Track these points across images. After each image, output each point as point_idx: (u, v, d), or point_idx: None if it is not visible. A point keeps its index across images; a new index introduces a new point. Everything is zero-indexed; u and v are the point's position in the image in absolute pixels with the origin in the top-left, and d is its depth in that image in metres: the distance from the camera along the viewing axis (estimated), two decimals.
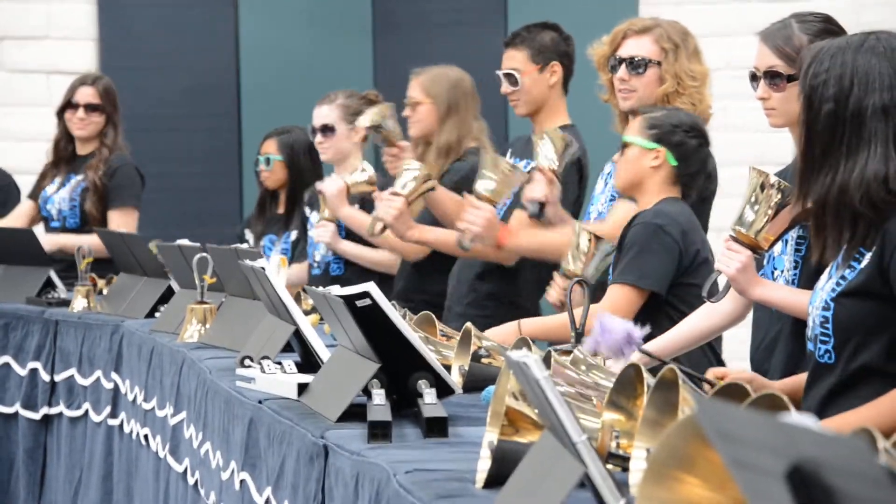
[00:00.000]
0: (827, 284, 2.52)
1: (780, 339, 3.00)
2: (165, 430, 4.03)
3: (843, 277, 2.49)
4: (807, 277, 2.92)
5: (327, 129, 5.16)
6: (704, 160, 3.53)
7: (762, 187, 2.89)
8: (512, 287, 4.43)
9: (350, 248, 5.08)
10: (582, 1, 6.99)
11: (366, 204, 5.01)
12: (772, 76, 3.02)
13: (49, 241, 5.60)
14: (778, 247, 2.99)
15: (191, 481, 3.70)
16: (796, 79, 2.94)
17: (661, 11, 7.35)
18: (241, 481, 3.04)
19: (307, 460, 2.60)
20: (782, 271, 2.99)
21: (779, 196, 2.88)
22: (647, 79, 3.84)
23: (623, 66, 3.85)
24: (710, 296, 2.95)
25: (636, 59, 3.84)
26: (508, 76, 4.36)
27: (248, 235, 5.81)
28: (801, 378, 2.72)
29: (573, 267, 3.60)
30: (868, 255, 2.45)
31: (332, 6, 7.47)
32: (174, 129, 7.38)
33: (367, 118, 4.66)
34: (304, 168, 5.66)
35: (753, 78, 3.05)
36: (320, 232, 5.09)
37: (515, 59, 4.38)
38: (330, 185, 4.93)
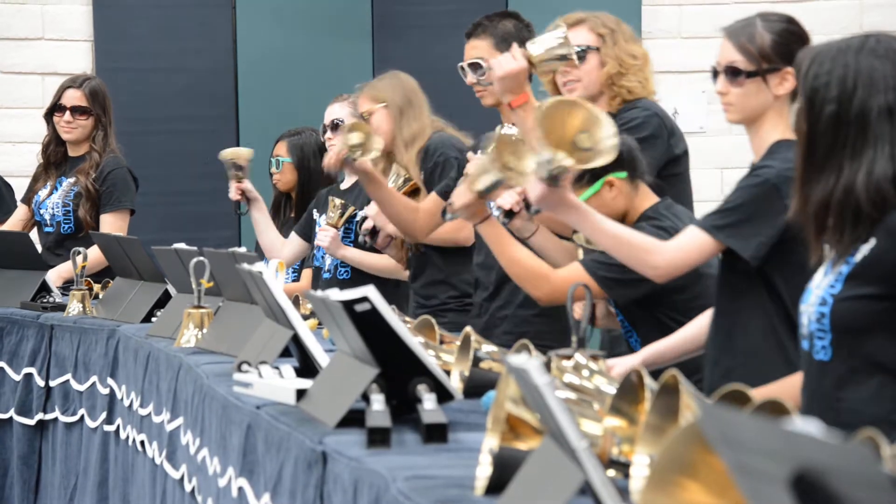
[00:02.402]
0: (823, 282, 2.52)
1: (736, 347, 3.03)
2: (162, 436, 4.02)
3: (839, 273, 2.48)
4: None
5: (337, 127, 5.15)
6: (642, 152, 3.61)
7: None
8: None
9: (352, 254, 5.07)
10: (584, 3, 6.99)
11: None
12: (731, 72, 3.04)
13: (57, 278, 5.55)
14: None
15: (188, 488, 3.68)
16: (755, 75, 3.01)
17: (663, 13, 7.36)
18: (239, 488, 3.03)
19: (305, 466, 2.59)
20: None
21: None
22: (589, 65, 3.89)
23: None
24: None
25: (577, 48, 3.85)
26: (474, 66, 4.35)
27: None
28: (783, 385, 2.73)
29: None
30: (864, 250, 2.45)
31: (331, 8, 7.46)
32: (171, 132, 7.37)
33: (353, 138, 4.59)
34: (314, 170, 5.65)
35: (715, 73, 3.07)
36: (322, 236, 5.08)
37: (479, 49, 4.37)
38: (323, 238, 4.96)
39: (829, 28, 6.75)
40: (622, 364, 3.11)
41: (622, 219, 3.49)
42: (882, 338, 2.45)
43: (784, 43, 3.01)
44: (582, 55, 3.88)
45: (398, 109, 4.77)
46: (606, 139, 3.09)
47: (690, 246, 3.04)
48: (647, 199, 3.57)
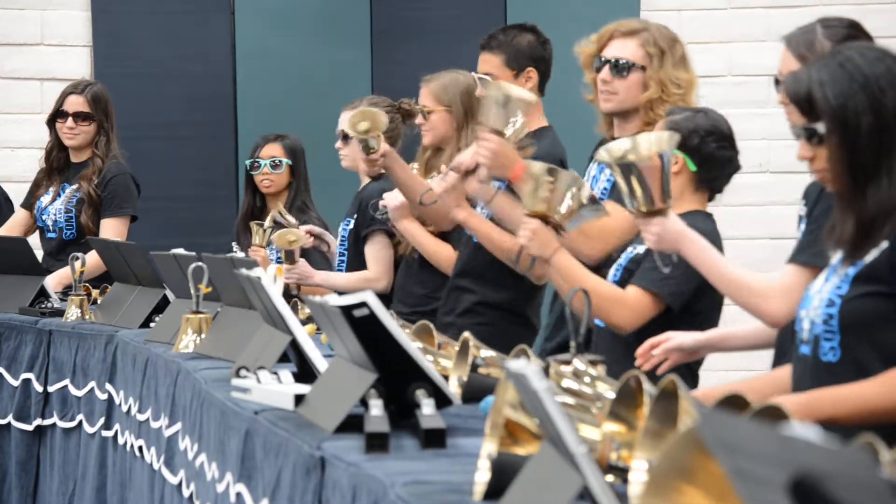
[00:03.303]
0: (826, 286, 2.53)
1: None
2: (160, 442, 4.01)
3: (845, 275, 2.50)
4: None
5: (346, 137, 5.14)
6: (726, 163, 3.50)
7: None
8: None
9: (321, 279, 5.04)
10: (582, 8, 6.99)
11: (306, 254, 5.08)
12: None
13: (56, 283, 5.54)
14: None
15: (185, 493, 3.68)
16: None
17: (661, 17, 7.36)
18: (237, 493, 3.02)
19: (304, 472, 2.58)
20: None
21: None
22: (630, 82, 3.79)
23: (606, 66, 3.81)
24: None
25: (620, 60, 3.80)
26: (483, 80, 4.33)
27: (236, 248, 5.75)
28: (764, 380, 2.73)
29: (536, 207, 3.38)
30: (875, 252, 2.47)
31: (330, 14, 7.46)
32: (170, 137, 7.36)
33: (362, 125, 4.58)
34: (305, 173, 5.65)
35: (777, 82, 3.04)
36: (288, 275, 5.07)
37: (490, 64, 4.35)
38: (392, 199, 4.74)
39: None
40: (680, 337, 3.10)
41: None
42: (891, 335, 2.45)
43: None
44: (626, 69, 3.80)
45: (461, 117, 4.66)
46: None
47: (797, 286, 2.87)
48: (690, 203, 3.53)
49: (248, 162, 5.72)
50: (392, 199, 4.72)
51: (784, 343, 3.02)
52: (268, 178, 5.64)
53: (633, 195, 3.00)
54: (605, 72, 3.81)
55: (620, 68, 3.79)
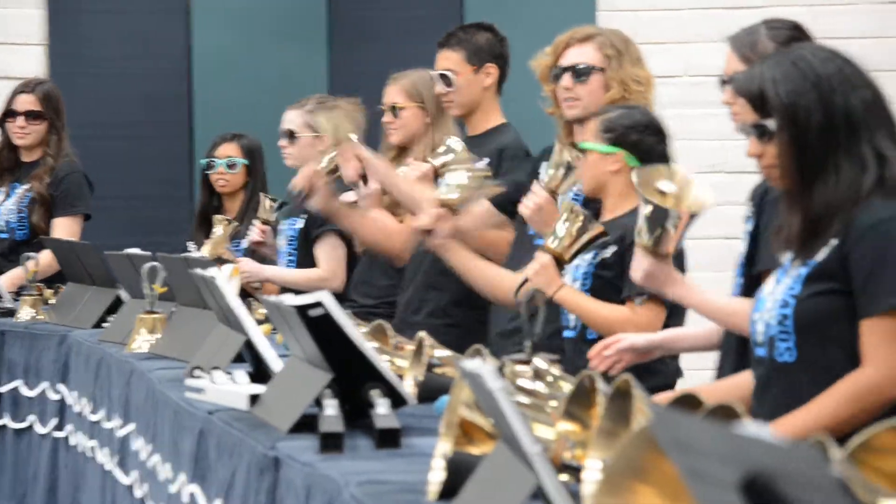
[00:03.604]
0: (778, 288, 2.54)
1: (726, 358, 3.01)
2: (113, 443, 3.99)
3: (798, 276, 2.52)
4: (750, 287, 2.95)
5: (292, 135, 5.11)
6: (662, 157, 3.52)
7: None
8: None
9: (272, 274, 5.02)
10: (539, 9, 7.00)
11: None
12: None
13: (9, 283, 5.49)
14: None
15: (138, 494, 3.66)
16: None
17: (618, 18, 7.38)
18: (191, 494, 3.01)
19: (258, 472, 2.57)
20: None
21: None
22: (592, 86, 3.82)
23: (567, 74, 3.83)
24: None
25: (579, 66, 3.82)
26: (443, 77, 4.33)
27: (192, 247, 5.73)
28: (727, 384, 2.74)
29: (555, 246, 3.42)
30: (825, 251, 2.49)
31: (287, 14, 7.44)
32: (126, 137, 7.32)
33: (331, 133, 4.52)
34: (262, 174, 5.61)
35: (722, 83, 3.06)
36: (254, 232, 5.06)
37: (450, 60, 4.35)
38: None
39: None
40: (632, 338, 3.11)
41: (598, 193, 3.49)
42: (846, 333, 2.47)
43: None
44: (586, 73, 3.82)
45: (434, 113, 4.59)
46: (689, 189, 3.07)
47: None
48: (635, 199, 3.53)
49: (203, 161, 5.69)
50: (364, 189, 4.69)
51: (728, 342, 3.04)
52: (223, 178, 5.60)
53: (646, 228, 2.98)
54: (566, 79, 3.83)
55: (580, 73, 3.81)
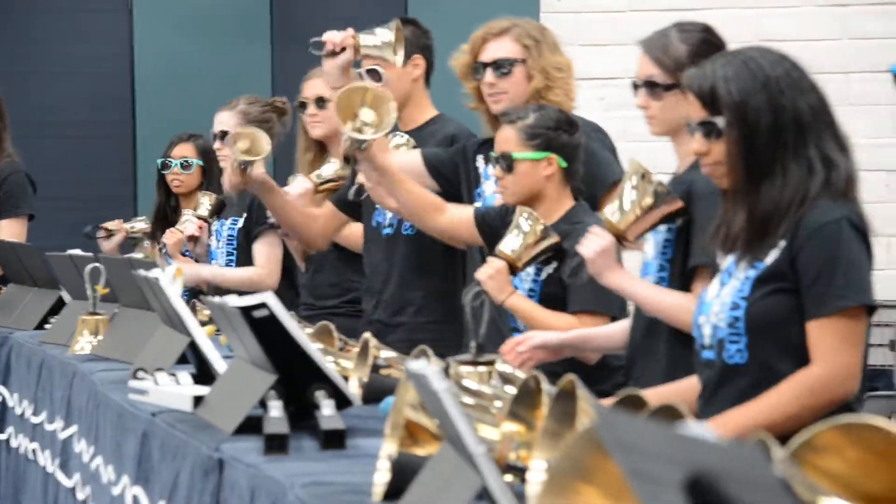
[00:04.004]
0: (725, 290, 2.56)
1: (657, 349, 3.02)
2: (55, 445, 3.96)
3: (746, 278, 2.53)
4: (678, 283, 2.97)
5: (225, 136, 5.08)
6: (578, 149, 3.54)
7: (640, 183, 2.98)
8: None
9: (210, 273, 5.00)
10: (482, 7, 7.01)
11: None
12: (650, 85, 3.05)
13: None
14: (650, 251, 3.04)
15: (81, 497, 3.63)
16: (674, 88, 3.01)
17: (560, 19, 7.41)
18: (134, 496, 2.99)
19: (202, 474, 2.56)
20: (651, 276, 3.05)
21: (652, 198, 2.96)
22: (515, 78, 3.84)
23: (488, 70, 3.85)
24: (572, 276, 3.00)
25: (500, 60, 3.84)
26: (371, 72, 4.33)
27: (147, 244, 5.71)
28: (676, 387, 2.75)
29: (508, 252, 3.37)
30: (774, 253, 2.51)
31: (230, 13, 7.41)
32: (68, 137, 7.27)
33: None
34: (217, 174, 5.58)
35: (635, 87, 3.08)
36: (168, 235, 5.04)
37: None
38: (296, 187, 4.66)
39: (725, 36, 6.83)
40: (543, 336, 3.12)
41: (532, 201, 3.48)
42: (796, 333, 2.49)
43: (700, 53, 3.01)
44: (508, 66, 3.84)
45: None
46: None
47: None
48: (567, 200, 3.54)
49: (159, 161, 5.66)
50: (295, 187, 4.68)
51: (635, 340, 3.05)
52: (177, 179, 5.57)
53: (621, 206, 2.98)
54: (489, 75, 3.84)
55: (502, 67, 3.83)
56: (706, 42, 3.05)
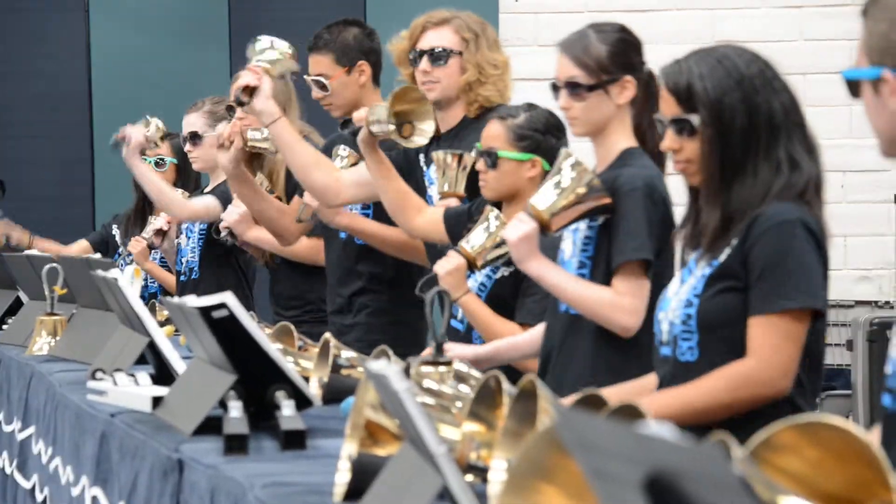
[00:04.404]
0: (683, 288, 2.58)
1: (581, 345, 3.03)
2: (13, 446, 3.94)
3: (702, 276, 2.55)
4: (599, 280, 3.00)
5: (195, 137, 5.06)
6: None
7: (575, 173, 3.00)
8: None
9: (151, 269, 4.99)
10: (442, 6, 7.01)
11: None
12: (572, 86, 3.07)
13: None
14: (568, 249, 3.05)
15: (39, 498, 3.61)
16: (597, 88, 3.04)
17: (519, 20, 7.43)
18: (93, 497, 2.98)
19: (161, 474, 2.55)
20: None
21: (585, 189, 2.98)
22: (450, 69, 3.86)
23: (425, 57, 3.87)
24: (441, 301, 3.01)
25: (437, 49, 3.86)
26: (317, 82, 4.33)
27: (115, 232, 5.70)
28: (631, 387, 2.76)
29: (469, 248, 3.35)
30: (727, 251, 2.52)
31: (187, 12, 7.38)
32: (25, 136, 7.23)
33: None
34: (192, 175, 5.56)
35: (555, 88, 3.10)
36: (132, 244, 5.02)
37: (321, 65, 4.34)
38: (229, 214, 4.65)
39: (682, 37, 6.87)
40: (459, 349, 3.11)
41: (510, 200, 3.48)
42: (745, 331, 2.51)
43: (620, 52, 3.06)
44: (444, 56, 3.86)
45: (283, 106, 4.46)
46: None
47: (643, 292, 2.97)
48: None
49: None
50: (230, 215, 4.65)
51: (553, 336, 3.07)
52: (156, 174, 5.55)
53: (550, 194, 2.99)
54: (425, 62, 3.86)
55: (438, 56, 3.85)
56: (624, 41, 3.08)
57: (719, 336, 2.53)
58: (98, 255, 5.22)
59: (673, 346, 2.58)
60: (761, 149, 2.53)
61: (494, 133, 3.49)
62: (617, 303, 2.94)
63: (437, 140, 3.85)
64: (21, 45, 7.25)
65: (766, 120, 2.54)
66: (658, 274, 2.96)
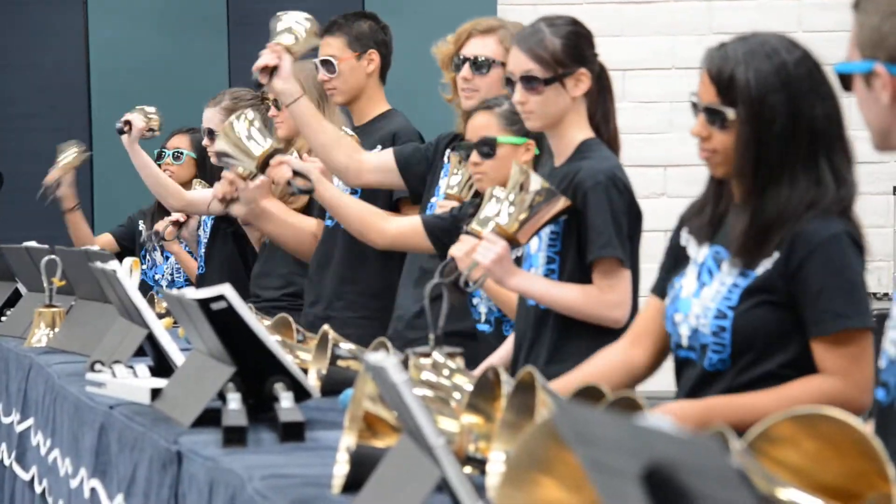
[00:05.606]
0: (707, 292, 2.49)
1: (545, 336, 3.03)
2: (11, 438, 3.94)
3: (734, 286, 2.46)
4: (568, 274, 3.01)
5: (213, 134, 5.05)
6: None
7: (523, 185, 3.00)
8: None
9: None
10: (439, 3, 7.01)
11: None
12: (528, 80, 3.06)
13: None
14: (534, 244, 3.06)
15: (38, 490, 3.62)
16: (553, 81, 3.05)
17: (518, 12, 7.42)
18: (92, 489, 2.98)
19: (160, 467, 2.56)
20: (537, 268, 3.07)
21: (541, 196, 2.99)
22: (491, 79, 3.84)
23: (466, 65, 3.86)
24: (466, 286, 2.99)
25: (479, 58, 3.84)
26: (325, 63, 4.32)
27: (142, 227, 5.73)
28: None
29: (510, 225, 3.07)
30: (767, 263, 2.43)
31: (186, 5, 7.38)
32: (23, 129, 7.22)
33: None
34: (210, 168, 5.55)
35: (509, 83, 3.09)
36: (160, 224, 5.03)
37: (332, 47, 4.34)
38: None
39: (678, 28, 6.86)
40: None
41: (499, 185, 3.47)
42: (781, 345, 2.43)
43: (574, 45, 3.06)
44: (486, 66, 3.83)
45: (316, 103, 4.41)
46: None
47: (624, 284, 2.99)
48: None
49: (155, 151, 5.66)
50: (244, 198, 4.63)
51: (522, 331, 3.06)
52: (169, 169, 5.55)
53: (509, 210, 2.98)
54: (466, 70, 3.84)
55: (480, 66, 3.83)
56: (577, 34, 3.09)
57: (754, 350, 2.43)
58: (117, 250, 5.27)
59: (700, 353, 2.49)
60: (800, 157, 2.42)
61: (485, 123, 3.47)
62: (602, 300, 2.98)
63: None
64: (20, 38, 7.25)
65: (808, 127, 2.42)
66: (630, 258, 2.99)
